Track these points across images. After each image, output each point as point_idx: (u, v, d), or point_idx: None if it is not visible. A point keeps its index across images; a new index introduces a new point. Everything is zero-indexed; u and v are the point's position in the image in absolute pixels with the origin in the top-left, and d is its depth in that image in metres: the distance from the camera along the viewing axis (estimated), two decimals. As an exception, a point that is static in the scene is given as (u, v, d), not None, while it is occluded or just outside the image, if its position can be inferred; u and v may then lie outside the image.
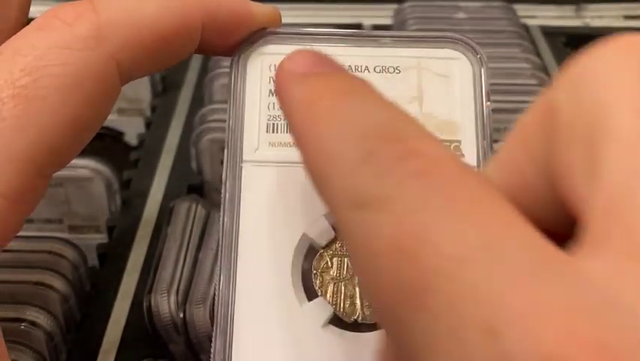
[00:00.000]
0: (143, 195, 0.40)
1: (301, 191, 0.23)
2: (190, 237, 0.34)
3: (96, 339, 0.33)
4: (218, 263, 0.22)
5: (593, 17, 0.56)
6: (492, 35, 0.48)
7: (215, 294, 0.22)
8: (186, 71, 0.50)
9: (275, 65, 0.24)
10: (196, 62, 0.51)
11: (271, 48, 0.24)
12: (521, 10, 0.54)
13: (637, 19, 0.56)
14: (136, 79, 0.23)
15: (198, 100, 0.47)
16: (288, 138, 0.24)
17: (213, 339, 0.21)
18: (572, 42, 0.53)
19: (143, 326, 0.32)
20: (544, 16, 0.56)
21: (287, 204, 0.23)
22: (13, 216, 0.21)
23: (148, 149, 0.44)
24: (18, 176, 0.21)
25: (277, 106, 0.24)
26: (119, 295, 0.34)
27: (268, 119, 0.24)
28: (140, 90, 0.49)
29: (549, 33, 0.54)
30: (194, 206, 0.36)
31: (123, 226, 0.38)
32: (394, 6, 0.54)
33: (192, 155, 0.41)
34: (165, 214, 0.37)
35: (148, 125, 0.46)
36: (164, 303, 0.31)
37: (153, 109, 0.48)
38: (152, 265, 0.33)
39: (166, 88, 0.49)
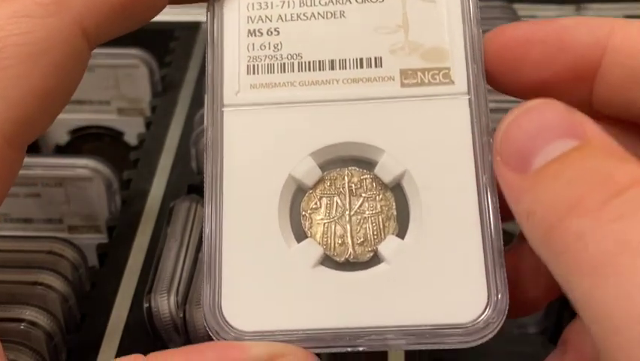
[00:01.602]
0: (143, 195, 0.40)
1: (285, 131, 0.22)
2: (190, 237, 0.34)
3: (96, 339, 0.33)
4: (204, 211, 0.22)
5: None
6: (492, 35, 0.48)
7: (203, 242, 0.22)
8: (186, 71, 0.50)
9: (253, 4, 0.24)
10: (196, 61, 0.51)
11: None
12: (521, 10, 0.54)
13: (637, 19, 0.56)
14: (107, 41, 0.23)
15: (198, 100, 0.47)
16: (269, 78, 0.23)
17: (203, 285, 0.21)
18: (572, 42, 0.53)
19: (143, 326, 0.32)
20: (544, 16, 0.56)
21: (271, 146, 0.22)
22: None
23: (148, 149, 0.43)
24: None
25: (257, 46, 0.23)
26: (119, 295, 0.34)
27: (248, 61, 0.23)
28: (140, 90, 0.48)
29: (549, 33, 0.54)
30: (194, 206, 0.36)
31: (123, 226, 0.38)
32: (394, 6, 0.54)
33: (192, 155, 0.41)
34: (165, 214, 0.37)
35: (148, 125, 0.46)
36: (164, 303, 0.31)
37: (153, 109, 0.48)
38: (152, 265, 0.33)
39: (166, 88, 0.49)
